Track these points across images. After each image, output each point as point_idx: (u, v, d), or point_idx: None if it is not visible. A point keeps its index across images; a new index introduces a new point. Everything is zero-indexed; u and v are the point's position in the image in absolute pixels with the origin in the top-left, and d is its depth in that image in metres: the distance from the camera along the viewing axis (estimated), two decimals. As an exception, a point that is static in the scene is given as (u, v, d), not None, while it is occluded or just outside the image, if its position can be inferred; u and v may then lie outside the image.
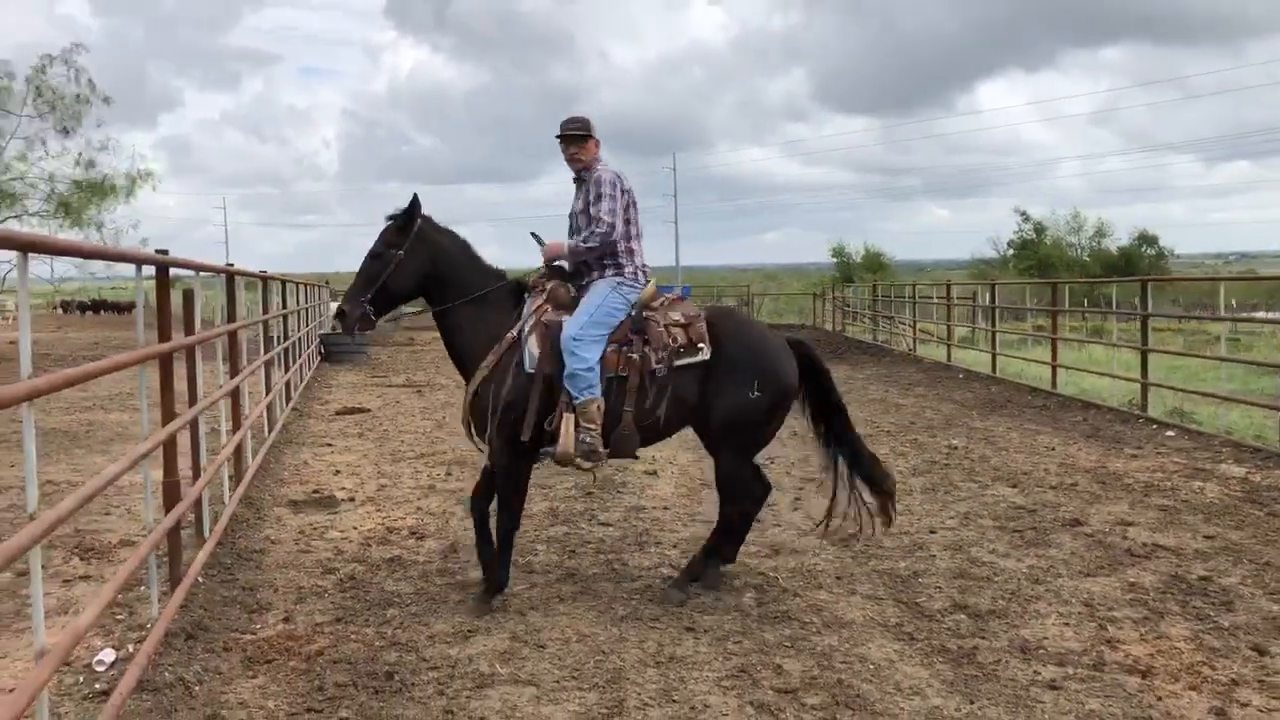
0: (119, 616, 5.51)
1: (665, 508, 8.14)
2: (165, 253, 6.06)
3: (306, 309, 19.50)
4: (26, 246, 3.28)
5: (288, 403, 13.72)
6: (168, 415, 5.67)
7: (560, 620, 5.52)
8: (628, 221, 5.94)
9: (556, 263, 5.99)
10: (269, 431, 11.04)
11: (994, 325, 19.67)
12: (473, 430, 5.83)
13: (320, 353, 22.36)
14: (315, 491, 8.71)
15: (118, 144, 44.85)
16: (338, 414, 13.91)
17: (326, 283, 32.94)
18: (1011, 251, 68.47)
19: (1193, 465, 9.72)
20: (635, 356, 5.68)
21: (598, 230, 5.81)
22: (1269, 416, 12.10)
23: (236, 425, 8.38)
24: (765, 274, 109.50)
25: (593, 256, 5.89)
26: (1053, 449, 10.69)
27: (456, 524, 7.58)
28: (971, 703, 4.44)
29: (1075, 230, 68.82)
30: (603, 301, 5.76)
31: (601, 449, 5.63)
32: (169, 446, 5.71)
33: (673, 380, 5.70)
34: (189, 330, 6.48)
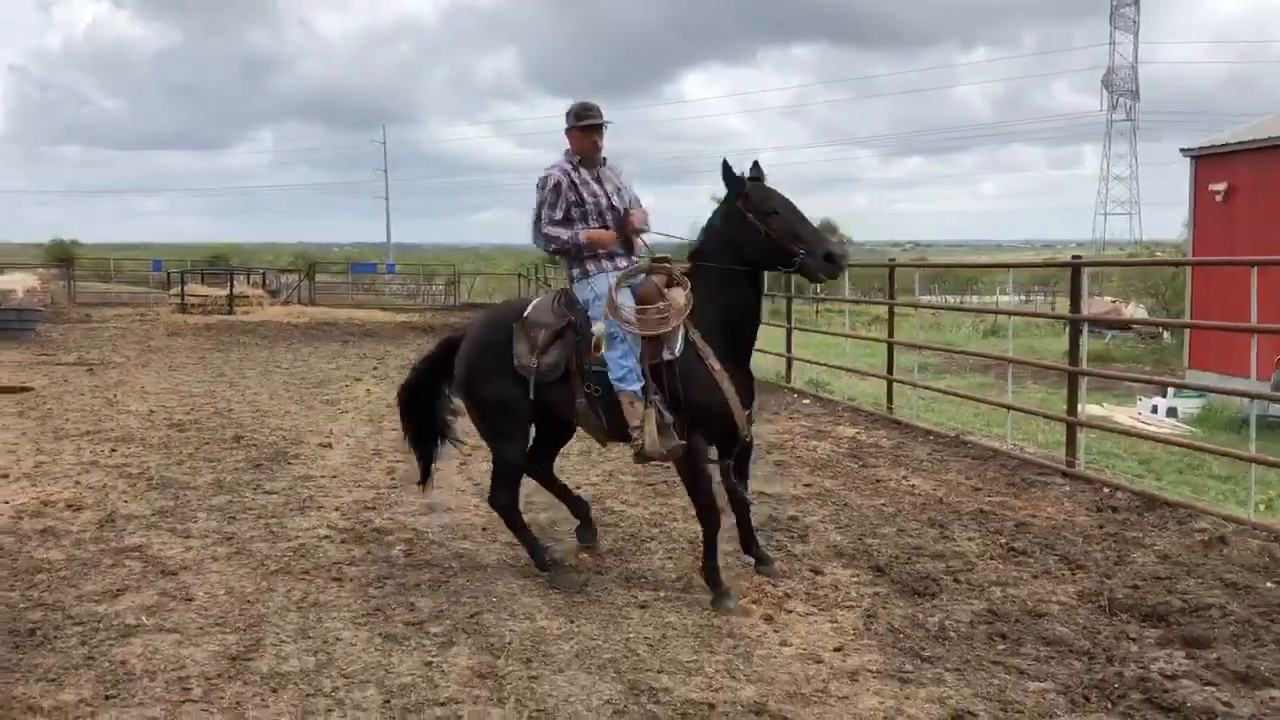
0: None
1: (333, 476, 8.54)
2: None
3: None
4: None
5: (-63, 382, 12.92)
6: None
7: (211, 577, 5.86)
8: None
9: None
10: (-86, 411, 10.48)
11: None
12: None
13: (-20, 330, 20.85)
14: (-36, 469, 8.47)
15: None
16: (-4, 393, 13.23)
17: (-11, 254, 30.45)
18: (707, 236, 71.88)
19: (816, 428, 11.11)
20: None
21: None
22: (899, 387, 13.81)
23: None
24: (477, 254, 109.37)
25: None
26: (702, 416, 11.84)
27: (116, 496, 7.68)
28: (572, 622, 5.21)
29: (766, 217, 73.15)
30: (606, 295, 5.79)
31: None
32: None
33: None
34: None
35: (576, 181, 5.85)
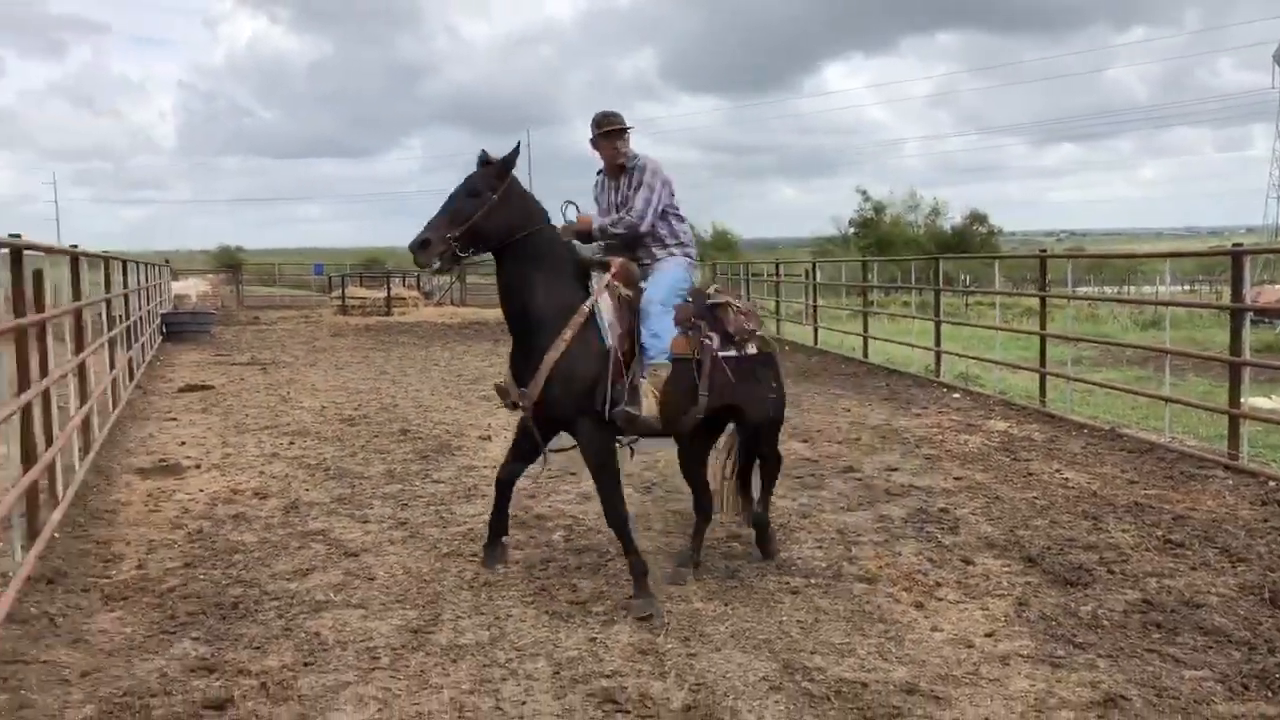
0: (-19, 567, 6.04)
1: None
2: (17, 236, 6.55)
3: (148, 288, 19.52)
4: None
5: (132, 381, 13.98)
6: (23, 386, 6.20)
7: (390, 559, 6.30)
8: (665, 212, 5.95)
9: (578, 238, 6.01)
10: (114, 407, 11.39)
11: (813, 301, 21.06)
12: (523, 399, 5.59)
13: (162, 332, 22.31)
14: (162, 460, 9.22)
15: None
16: (181, 391, 14.22)
17: (166, 261, 32.45)
18: (852, 230, 71.04)
19: (966, 421, 11.06)
20: (708, 341, 5.67)
21: (628, 218, 5.85)
22: (1052, 380, 13.57)
23: (84, 399, 8.82)
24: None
25: (617, 241, 5.94)
26: (849, 410, 11.92)
27: (298, 485, 8.26)
28: (726, 605, 5.43)
29: (912, 209, 71.79)
30: (676, 281, 5.84)
31: (657, 419, 5.56)
32: (26, 413, 6.25)
33: (730, 368, 5.70)
34: (39, 309, 6.98)
35: (597, 194, 6.18)
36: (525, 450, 6.02)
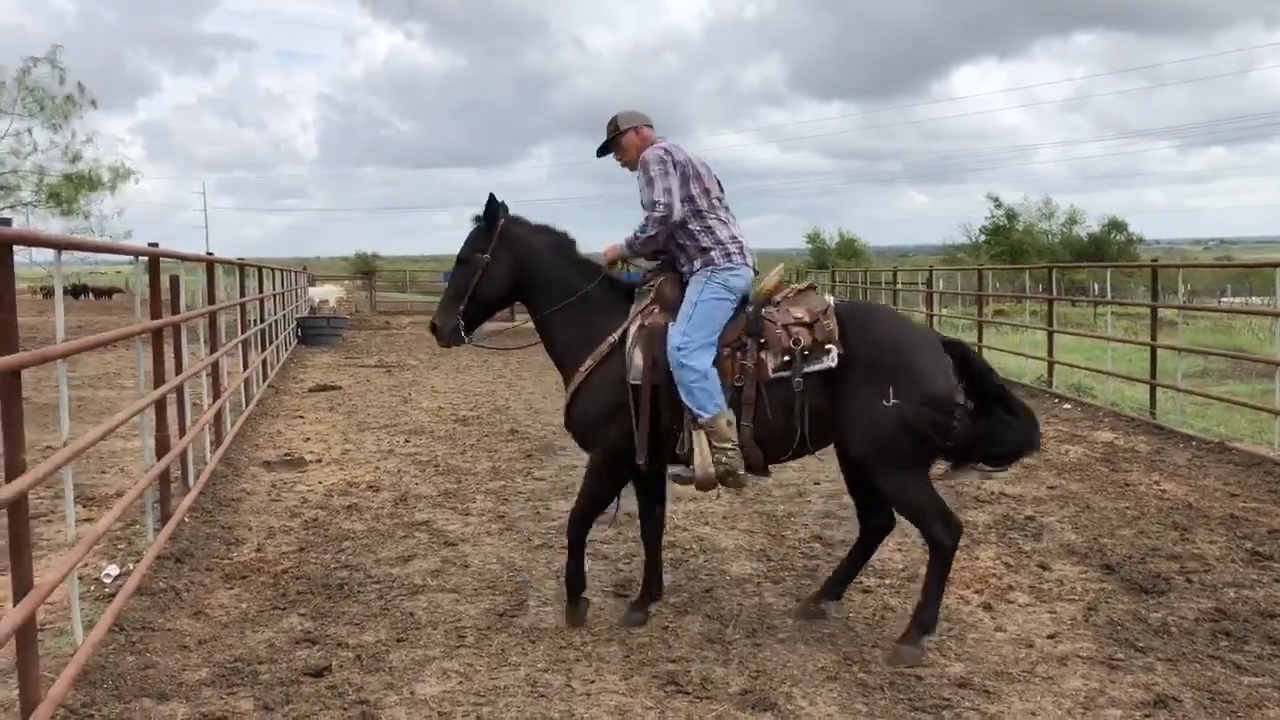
0: (120, 546, 6.65)
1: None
2: (155, 245, 7.17)
3: (283, 293, 20.57)
4: (61, 245, 4.42)
5: (264, 380, 14.83)
6: (159, 381, 6.81)
7: (485, 549, 6.70)
8: (689, 197, 5.17)
9: (620, 261, 5.47)
10: (246, 405, 12.16)
11: (930, 309, 20.90)
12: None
13: (298, 335, 23.43)
14: (287, 454, 9.85)
15: (100, 137, 46.19)
16: (311, 391, 15.03)
17: (304, 268, 33.98)
18: (983, 237, 69.58)
19: (1072, 432, 10.96)
20: (749, 363, 4.95)
21: (654, 214, 5.09)
22: (1163, 392, 13.30)
23: (216, 395, 9.50)
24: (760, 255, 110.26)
25: (658, 244, 5.25)
26: (952, 418, 11.90)
27: (408, 480, 8.75)
28: (797, 600, 5.64)
29: (1047, 216, 69.92)
30: (699, 298, 5.04)
31: (742, 470, 4.97)
32: (160, 407, 6.86)
33: (804, 389, 4.91)
34: (175, 311, 7.62)
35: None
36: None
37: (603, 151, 5.48)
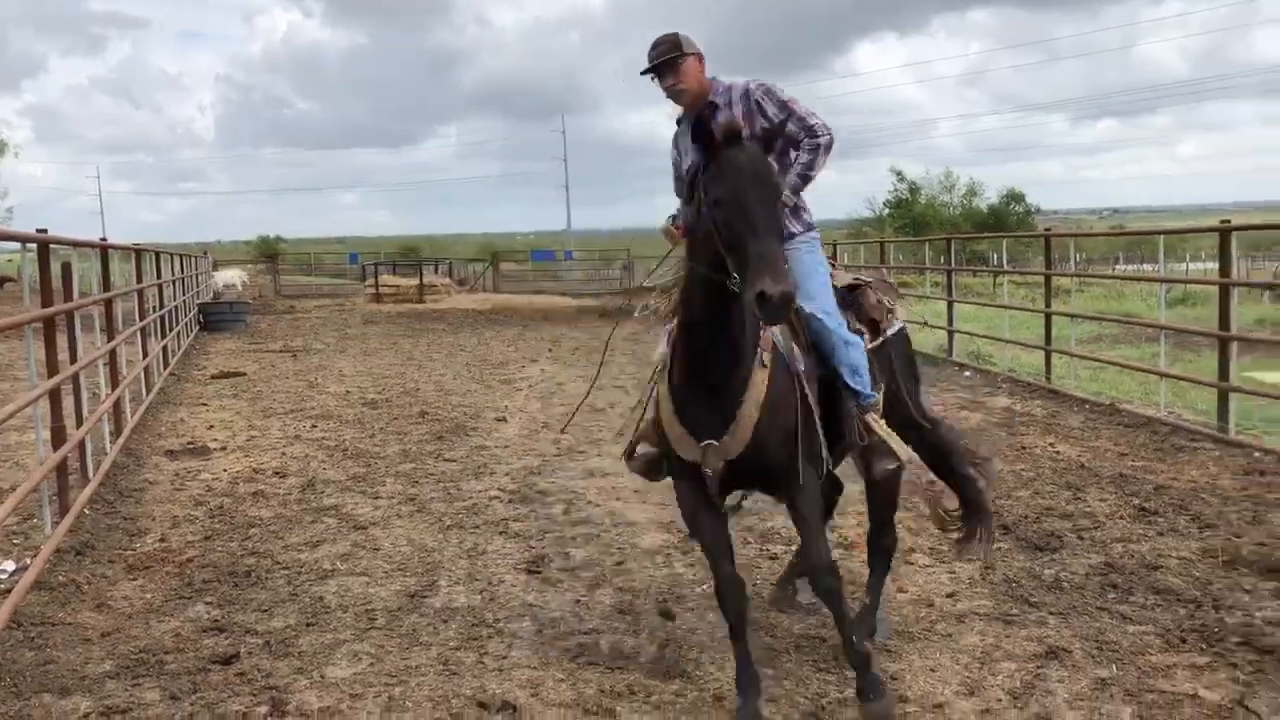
0: (15, 541, 6.47)
1: (506, 446, 9.32)
2: (44, 231, 6.96)
3: (184, 278, 20.07)
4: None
5: (165, 368, 14.48)
6: (53, 371, 6.62)
7: (396, 531, 6.67)
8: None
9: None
10: (146, 394, 11.87)
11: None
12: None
13: (200, 321, 22.89)
14: (190, 443, 9.65)
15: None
16: (214, 377, 14.71)
17: (206, 252, 33.17)
18: (887, 211, 70.67)
19: (971, 399, 11.29)
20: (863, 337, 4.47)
21: (822, 139, 4.31)
22: (1058, 357, 13.70)
23: (114, 384, 9.27)
24: (656, 238, 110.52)
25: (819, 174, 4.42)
26: (858, 388, 12.15)
27: (316, 465, 8.66)
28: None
29: (948, 189, 71.23)
30: (816, 267, 4.44)
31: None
32: (55, 397, 6.67)
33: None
34: (68, 299, 7.41)
35: (683, 148, 4.57)
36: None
37: (656, 71, 4.42)
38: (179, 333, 17.36)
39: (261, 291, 37.87)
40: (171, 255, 18.60)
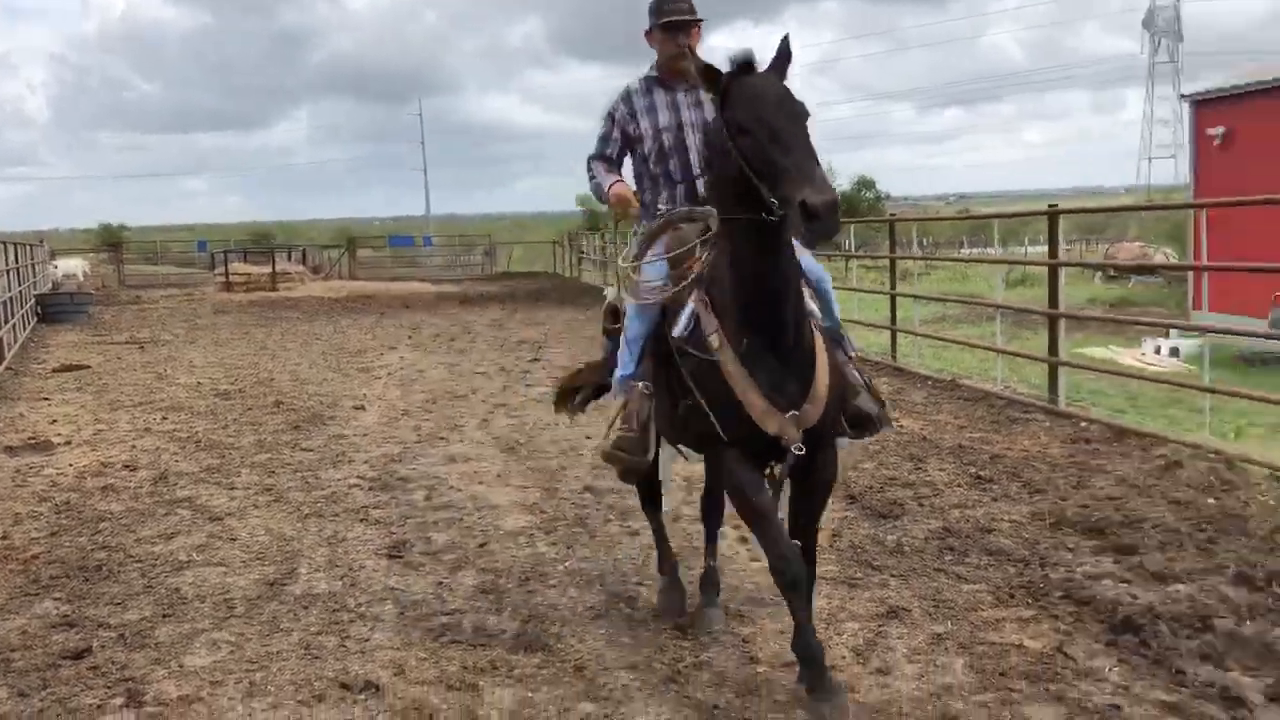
0: None
1: (365, 434, 9.25)
2: None
3: (17, 269, 19.14)
4: None
5: (0, 362, 13.83)
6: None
7: (253, 521, 6.59)
8: None
9: None
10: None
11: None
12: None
13: (38, 313, 21.87)
14: (31, 438, 9.28)
15: None
16: (56, 371, 14.10)
17: (42, 240, 31.61)
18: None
19: (823, 377, 11.68)
20: None
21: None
22: (903, 336, 14.28)
23: (-54, 379, 8.85)
24: (518, 222, 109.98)
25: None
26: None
27: (168, 457, 8.45)
28: (569, 548, 5.88)
29: (802, 175, 72.67)
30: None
31: None
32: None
33: None
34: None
35: (639, 108, 4.59)
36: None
37: (681, 26, 4.44)
38: (14, 325, 16.58)
39: (105, 282, 36.31)
40: (4, 244, 17.74)
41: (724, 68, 3.70)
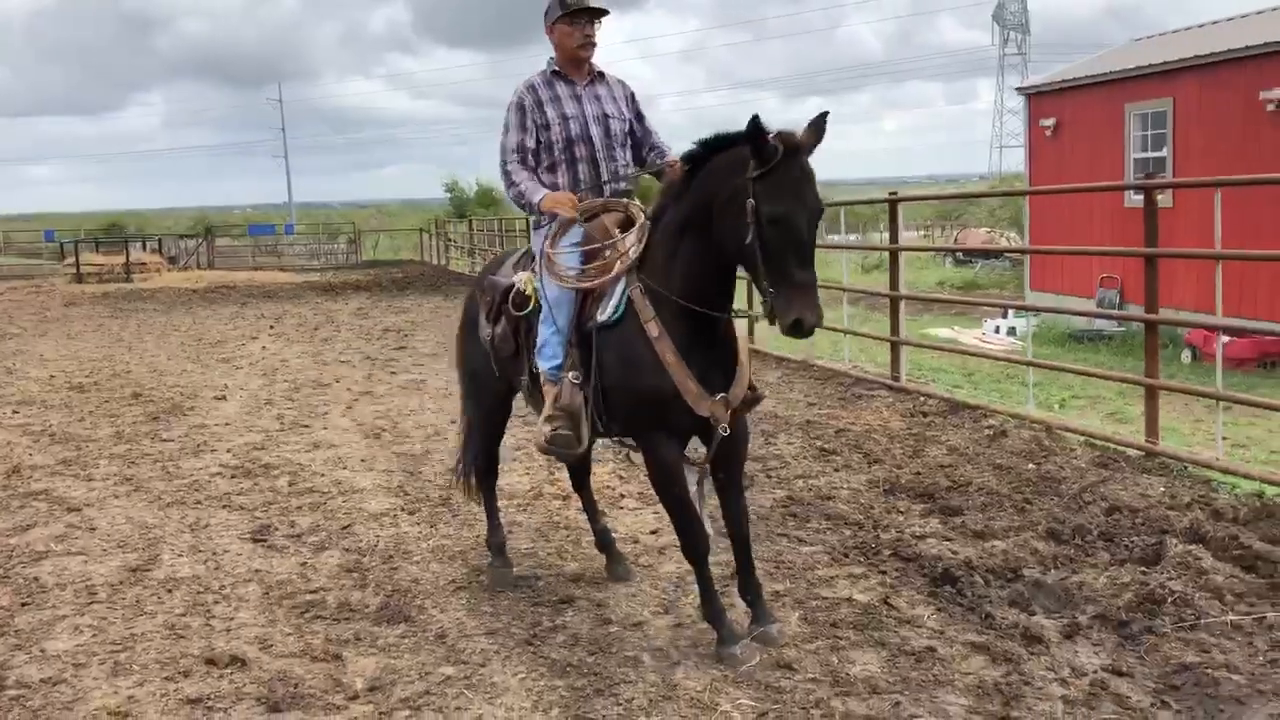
0: None
1: (226, 424, 9.23)
2: None
3: None
4: None
5: None
6: None
7: (113, 511, 6.58)
8: None
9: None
10: None
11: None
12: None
13: None
14: None
15: None
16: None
17: None
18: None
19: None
20: None
21: (669, 156, 4.65)
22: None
23: None
24: (383, 210, 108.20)
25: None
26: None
27: (20, 451, 8.30)
28: (432, 527, 6.07)
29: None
30: None
31: None
32: None
33: None
34: None
35: (544, 98, 4.66)
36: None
37: (588, 14, 4.64)
38: None
39: (-59, 274, 34.56)
40: None
41: (769, 129, 3.75)
